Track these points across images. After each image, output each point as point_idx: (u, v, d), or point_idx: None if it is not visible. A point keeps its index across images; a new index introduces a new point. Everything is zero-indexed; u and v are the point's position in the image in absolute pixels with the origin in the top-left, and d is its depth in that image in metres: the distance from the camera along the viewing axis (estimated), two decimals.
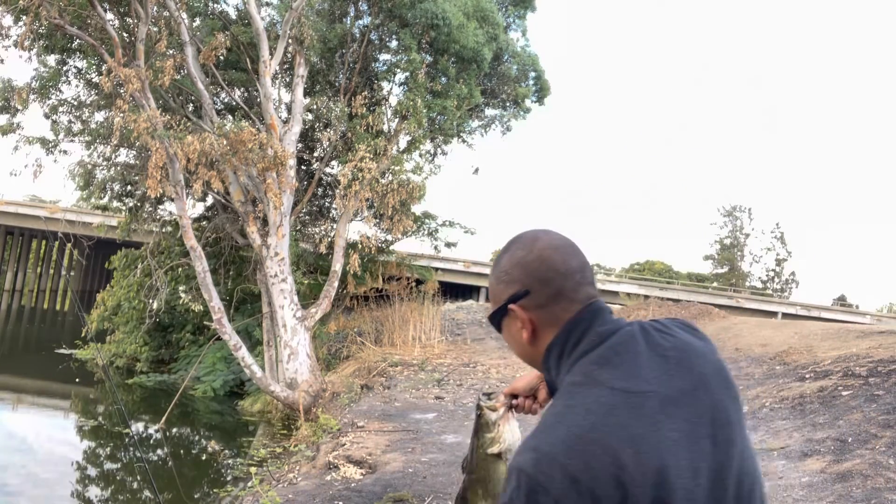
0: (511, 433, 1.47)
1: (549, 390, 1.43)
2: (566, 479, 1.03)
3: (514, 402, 1.53)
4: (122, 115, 10.89)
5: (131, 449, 10.67)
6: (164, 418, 11.50)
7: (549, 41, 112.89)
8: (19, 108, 12.37)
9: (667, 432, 1.08)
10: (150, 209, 16.36)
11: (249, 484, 7.58)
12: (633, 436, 1.06)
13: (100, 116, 13.93)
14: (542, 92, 16.79)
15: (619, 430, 1.06)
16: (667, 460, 1.06)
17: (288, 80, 14.55)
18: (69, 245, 15.69)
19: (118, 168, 15.09)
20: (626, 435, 1.06)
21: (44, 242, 47.02)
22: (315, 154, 16.43)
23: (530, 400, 1.54)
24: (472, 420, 1.57)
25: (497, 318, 1.33)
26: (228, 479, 9.46)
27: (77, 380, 16.05)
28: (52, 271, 50.93)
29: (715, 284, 53.84)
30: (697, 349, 1.22)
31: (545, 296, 1.24)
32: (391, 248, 17.90)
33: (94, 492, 9.08)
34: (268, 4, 15.12)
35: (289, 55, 13.35)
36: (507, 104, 16.77)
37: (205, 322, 14.80)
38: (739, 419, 1.20)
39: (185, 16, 12.90)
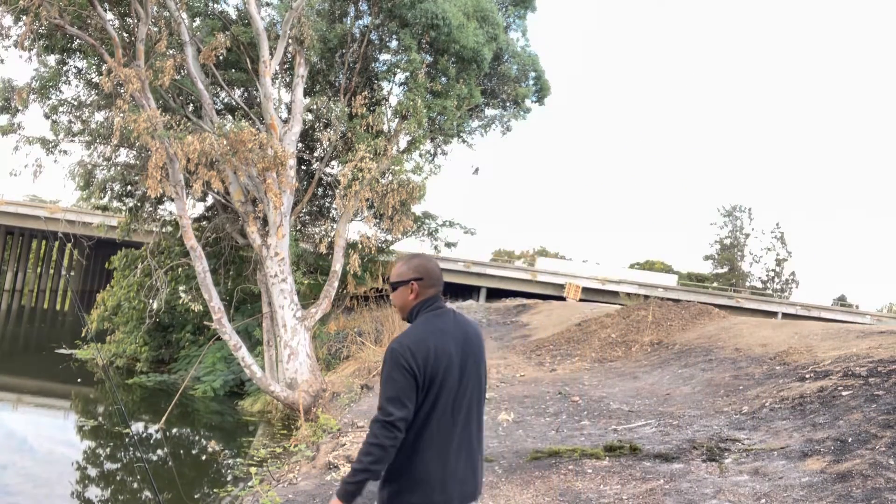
0: None
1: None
2: (409, 350, 2.45)
3: None
4: (122, 115, 10.89)
5: (131, 449, 10.67)
6: (164, 418, 11.51)
7: (549, 41, 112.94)
8: (19, 108, 12.38)
9: (450, 347, 2.54)
10: (150, 209, 16.37)
11: (249, 484, 7.58)
12: (437, 342, 2.51)
13: (100, 116, 13.94)
14: (542, 92, 16.78)
15: (432, 339, 2.51)
16: (445, 356, 2.50)
17: (288, 80, 14.54)
18: (69, 245, 15.72)
19: (118, 168, 15.09)
20: (434, 341, 2.51)
21: (44, 242, 47.06)
22: (315, 154, 16.42)
23: None
24: None
25: (400, 284, 2.70)
26: (228, 479, 9.45)
27: (77, 380, 16.05)
28: (52, 271, 50.94)
29: (715, 284, 53.86)
30: (473, 325, 2.71)
31: (425, 284, 2.68)
32: (391, 248, 17.90)
33: (94, 492, 9.07)
34: (268, 4, 15.11)
35: (289, 55, 13.34)
36: (507, 104, 16.76)
37: (205, 322, 14.79)
38: (483, 364, 2.67)
39: (185, 16, 12.90)
